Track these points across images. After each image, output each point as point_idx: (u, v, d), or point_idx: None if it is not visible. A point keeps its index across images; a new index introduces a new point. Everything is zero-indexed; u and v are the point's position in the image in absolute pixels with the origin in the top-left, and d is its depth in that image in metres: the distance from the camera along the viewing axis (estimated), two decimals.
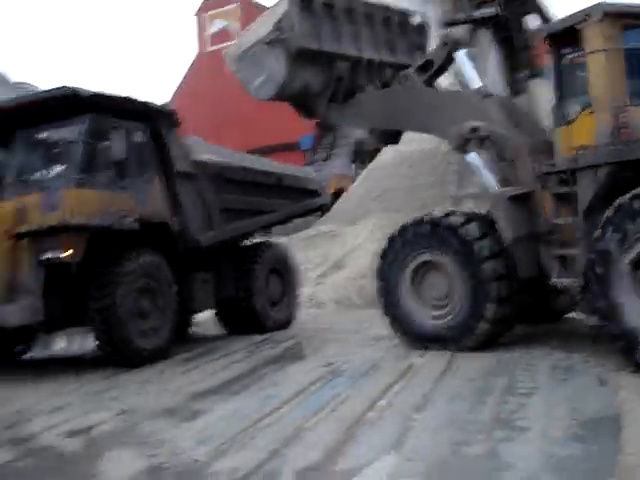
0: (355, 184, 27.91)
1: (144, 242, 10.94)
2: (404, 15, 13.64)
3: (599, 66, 8.62)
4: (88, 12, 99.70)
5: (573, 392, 7.09)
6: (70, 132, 10.68)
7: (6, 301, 9.86)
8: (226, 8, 45.05)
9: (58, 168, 10.83)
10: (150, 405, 7.97)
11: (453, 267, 9.80)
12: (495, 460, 5.41)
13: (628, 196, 7.91)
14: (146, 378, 9.61)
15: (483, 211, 10.34)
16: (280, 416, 7.02)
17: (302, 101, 12.63)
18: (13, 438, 7.04)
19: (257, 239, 14.94)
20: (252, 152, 17.11)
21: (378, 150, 23.34)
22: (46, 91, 11.32)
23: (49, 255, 9.90)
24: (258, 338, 12.55)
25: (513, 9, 27.37)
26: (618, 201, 7.99)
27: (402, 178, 20.62)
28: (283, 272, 14.27)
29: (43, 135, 11.34)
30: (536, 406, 6.69)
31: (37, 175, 10.54)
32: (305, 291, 15.88)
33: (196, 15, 46.29)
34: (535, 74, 12.18)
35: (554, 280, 9.23)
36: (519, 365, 8.42)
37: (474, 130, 10.27)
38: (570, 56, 9.33)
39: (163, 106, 11.82)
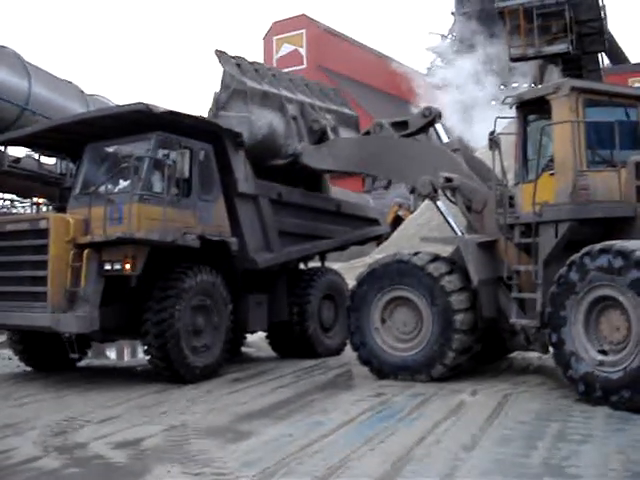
0: (415, 214, 27.85)
1: (203, 260, 11.07)
2: (319, 84, 15.37)
3: (564, 134, 9.60)
4: (157, 31, 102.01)
5: (628, 442, 6.86)
6: (137, 148, 10.91)
7: (64, 309, 10.08)
8: (293, 33, 45.79)
9: (124, 183, 11.06)
10: (198, 423, 8.01)
11: (421, 302, 10.49)
12: None
13: (579, 254, 8.77)
14: (195, 395, 9.68)
15: (446, 254, 11.14)
16: (327, 444, 6.97)
17: (274, 144, 13.23)
18: (61, 446, 7.14)
19: (313, 264, 14.98)
20: None
21: None
22: (120, 106, 11.60)
23: (110, 267, 10.11)
24: (309, 363, 12.53)
25: (585, 46, 27.26)
26: (571, 258, 8.83)
27: None
28: (337, 298, 14.23)
29: (111, 149, 11.61)
30: (589, 454, 6.49)
31: (103, 188, 10.74)
32: None
33: (264, 39, 47.09)
34: None
35: (513, 320, 10.10)
36: (573, 411, 8.20)
37: (448, 180, 11.20)
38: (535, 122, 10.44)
39: (231, 128, 11.96)
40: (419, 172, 11.72)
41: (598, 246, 8.62)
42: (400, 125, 12.84)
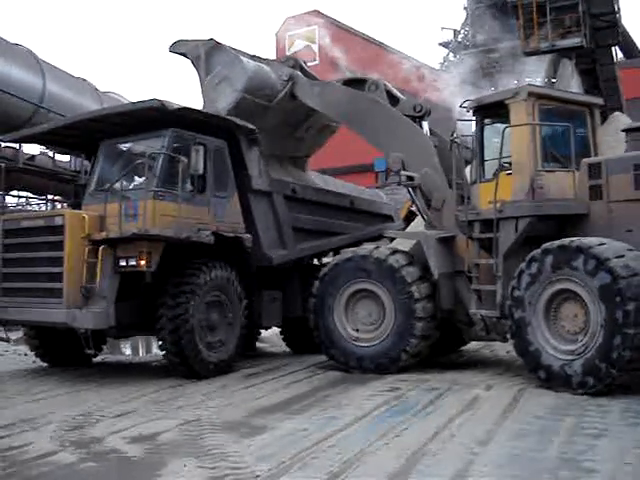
0: None
1: (217, 256, 11.10)
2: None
3: (520, 137, 10.17)
4: (171, 27, 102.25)
5: None
6: (152, 145, 10.94)
7: (80, 305, 10.13)
8: (306, 29, 45.71)
9: (139, 179, 11.10)
10: (213, 418, 8.04)
11: (384, 294, 10.97)
12: None
13: (539, 250, 9.28)
14: (210, 390, 9.73)
15: (407, 248, 11.67)
16: (342, 438, 6.97)
17: (267, 77, 13.12)
18: (77, 440, 7.18)
19: (327, 260, 14.96)
20: (325, 173, 17.16)
21: None
22: (135, 103, 11.63)
23: (125, 263, 10.15)
24: (322, 358, 12.51)
25: (598, 40, 27.03)
26: (532, 254, 9.31)
27: None
28: None
29: (126, 146, 11.65)
30: (605, 448, 6.46)
31: (118, 185, 10.79)
32: None
33: (276, 35, 47.03)
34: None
35: (473, 311, 10.60)
36: (589, 405, 8.17)
37: (410, 179, 11.64)
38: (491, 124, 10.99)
39: (245, 123, 11.97)
40: (394, 147, 11.95)
41: (522, 265, 9.33)
42: (392, 98, 12.84)
